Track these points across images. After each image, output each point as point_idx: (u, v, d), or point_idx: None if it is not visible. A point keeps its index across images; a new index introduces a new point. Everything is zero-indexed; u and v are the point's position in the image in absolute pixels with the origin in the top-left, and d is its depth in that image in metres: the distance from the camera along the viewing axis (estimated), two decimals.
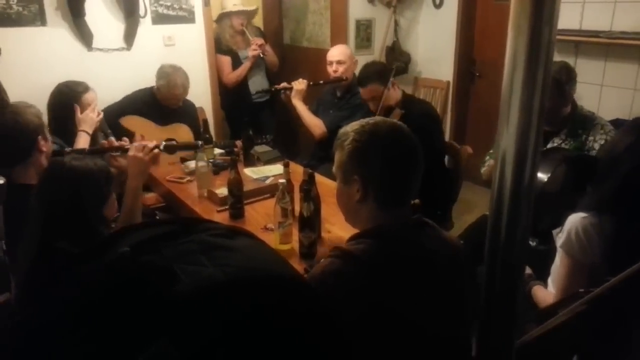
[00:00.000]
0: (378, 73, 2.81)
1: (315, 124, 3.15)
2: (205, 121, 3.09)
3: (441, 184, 2.77)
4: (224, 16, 3.88)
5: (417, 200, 2.48)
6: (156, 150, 2.09)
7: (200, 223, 0.61)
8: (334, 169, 1.34)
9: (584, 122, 2.36)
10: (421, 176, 1.28)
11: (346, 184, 1.28)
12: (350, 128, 1.28)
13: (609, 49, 3.22)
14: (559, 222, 1.69)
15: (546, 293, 1.75)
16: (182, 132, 3.12)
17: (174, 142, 2.27)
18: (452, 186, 2.89)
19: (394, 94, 2.82)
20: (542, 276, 1.83)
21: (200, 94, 3.68)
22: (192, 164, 2.71)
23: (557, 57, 3.31)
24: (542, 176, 1.97)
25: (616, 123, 3.04)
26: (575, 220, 1.60)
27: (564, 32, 3.26)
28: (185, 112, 3.27)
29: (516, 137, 0.53)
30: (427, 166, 2.67)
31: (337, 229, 2.04)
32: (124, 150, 2.11)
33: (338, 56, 3.19)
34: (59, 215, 1.49)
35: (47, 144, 1.99)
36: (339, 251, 1.20)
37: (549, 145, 2.32)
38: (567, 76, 2.31)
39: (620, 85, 3.24)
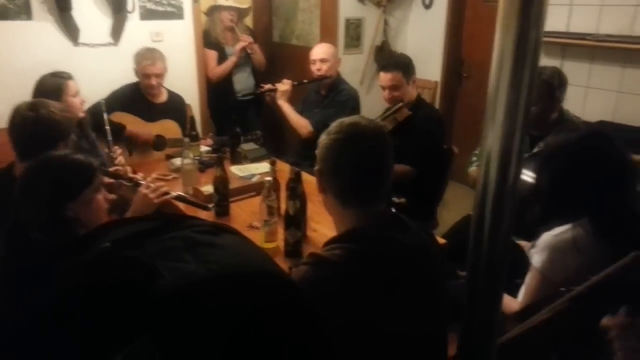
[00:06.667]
0: (405, 65, 2.80)
1: (301, 124, 3.15)
2: (192, 118, 3.07)
3: (429, 184, 2.79)
4: (214, 9, 3.86)
5: (403, 200, 2.50)
6: (166, 197, 2.04)
7: (184, 220, 0.61)
8: None
9: (577, 126, 2.37)
10: (387, 179, 1.29)
11: (317, 175, 1.33)
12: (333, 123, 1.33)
13: (595, 51, 3.26)
14: (544, 223, 1.71)
15: (510, 299, 1.74)
16: (171, 129, 3.10)
17: (186, 196, 2.20)
18: (438, 186, 2.91)
19: (411, 92, 2.81)
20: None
21: (188, 90, 3.65)
22: (177, 161, 2.69)
23: (544, 60, 3.35)
24: (533, 175, 1.99)
25: (600, 125, 3.10)
26: (547, 239, 1.61)
27: (552, 34, 3.29)
28: (173, 108, 3.24)
29: (501, 137, 0.53)
30: (422, 168, 2.70)
31: (323, 227, 2.04)
32: (136, 184, 2.06)
33: (321, 54, 3.18)
34: (27, 203, 1.47)
35: None
36: (313, 258, 1.20)
37: (535, 150, 2.33)
38: (559, 81, 2.33)
39: (604, 87, 3.28)
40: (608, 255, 1.51)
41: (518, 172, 0.54)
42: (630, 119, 3.12)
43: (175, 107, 3.26)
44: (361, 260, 1.17)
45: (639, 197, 1.69)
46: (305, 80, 3.26)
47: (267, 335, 0.49)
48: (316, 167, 1.32)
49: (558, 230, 1.61)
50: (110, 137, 2.58)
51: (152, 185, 2.02)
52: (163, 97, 3.23)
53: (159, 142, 3.04)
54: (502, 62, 0.52)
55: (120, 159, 2.54)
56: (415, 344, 1.21)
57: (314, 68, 3.21)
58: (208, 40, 3.84)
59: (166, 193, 2.04)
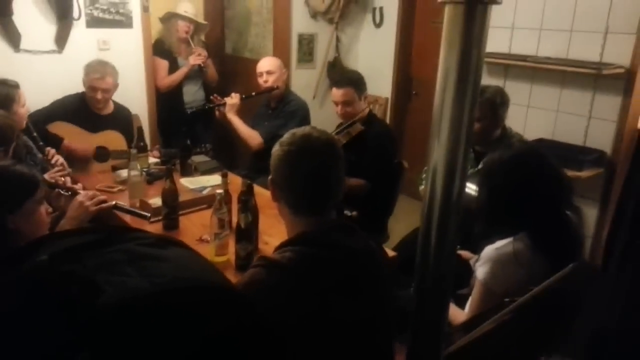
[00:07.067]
0: (357, 81, 2.84)
1: (251, 136, 3.15)
2: (140, 129, 2.99)
3: (381, 198, 2.83)
4: (171, 16, 3.81)
5: (354, 213, 2.52)
6: (104, 205, 1.98)
7: (128, 232, 0.59)
8: None
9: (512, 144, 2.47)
10: (339, 189, 1.32)
11: (270, 184, 1.35)
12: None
13: (535, 72, 3.42)
14: (487, 237, 1.76)
15: (456, 310, 1.78)
16: (115, 140, 3.00)
17: (124, 205, 2.12)
18: (390, 199, 2.96)
19: (363, 107, 2.85)
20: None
21: (136, 101, 3.57)
22: (124, 173, 2.61)
23: (489, 79, 3.48)
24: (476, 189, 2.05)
25: (540, 143, 3.25)
26: (489, 252, 1.67)
27: (495, 55, 3.43)
28: (118, 119, 3.14)
29: (446, 151, 0.55)
30: (374, 182, 2.74)
31: (275, 240, 2.02)
32: (73, 193, 2.00)
33: (267, 67, 3.22)
34: None
35: None
36: (263, 260, 1.22)
37: (481, 165, 2.42)
38: (502, 100, 2.44)
39: (544, 107, 3.44)
40: (547, 267, 1.57)
41: (463, 185, 0.55)
42: (568, 136, 3.29)
43: (121, 119, 3.18)
44: (311, 263, 1.19)
45: (575, 212, 1.77)
46: (253, 93, 3.27)
47: (214, 349, 0.48)
48: (270, 177, 1.34)
49: (500, 243, 1.67)
50: (41, 143, 2.58)
51: (89, 192, 1.98)
52: (109, 109, 3.14)
53: (101, 154, 2.94)
54: (447, 80, 0.54)
55: (57, 158, 2.52)
56: (361, 344, 1.23)
57: (261, 80, 3.24)
58: (161, 48, 3.78)
59: (104, 201, 1.99)
